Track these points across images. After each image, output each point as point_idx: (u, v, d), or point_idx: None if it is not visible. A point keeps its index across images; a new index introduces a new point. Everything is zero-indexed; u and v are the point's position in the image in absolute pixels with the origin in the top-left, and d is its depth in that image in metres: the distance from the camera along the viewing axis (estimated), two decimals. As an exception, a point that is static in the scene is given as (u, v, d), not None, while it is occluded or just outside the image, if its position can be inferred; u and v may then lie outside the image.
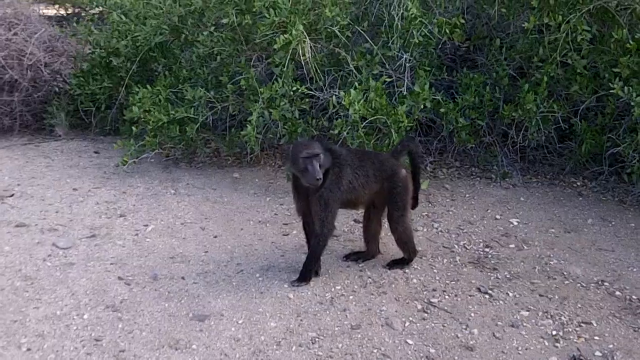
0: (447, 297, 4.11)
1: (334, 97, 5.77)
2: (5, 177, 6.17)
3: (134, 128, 6.49)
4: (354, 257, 4.64)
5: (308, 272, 4.24)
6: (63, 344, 3.53)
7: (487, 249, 4.81)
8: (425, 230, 5.16)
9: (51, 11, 13.70)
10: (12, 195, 5.69)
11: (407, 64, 5.94)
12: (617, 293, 4.19)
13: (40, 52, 7.56)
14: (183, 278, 4.30)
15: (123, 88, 7.24)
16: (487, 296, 4.11)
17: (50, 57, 7.75)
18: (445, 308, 3.97)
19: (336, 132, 5.65)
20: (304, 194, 4.22)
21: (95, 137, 7.66)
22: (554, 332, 3.72)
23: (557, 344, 3.61)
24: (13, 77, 7.34)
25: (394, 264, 4.51)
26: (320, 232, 4.17)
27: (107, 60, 7.42)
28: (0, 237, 4.83)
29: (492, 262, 4.59)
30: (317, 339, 3.62)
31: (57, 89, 7.83)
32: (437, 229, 5.18)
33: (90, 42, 7.65)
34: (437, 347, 3.58)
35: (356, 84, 5.66)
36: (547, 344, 3.62)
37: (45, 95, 7.73)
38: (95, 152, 7.10)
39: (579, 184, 6.14)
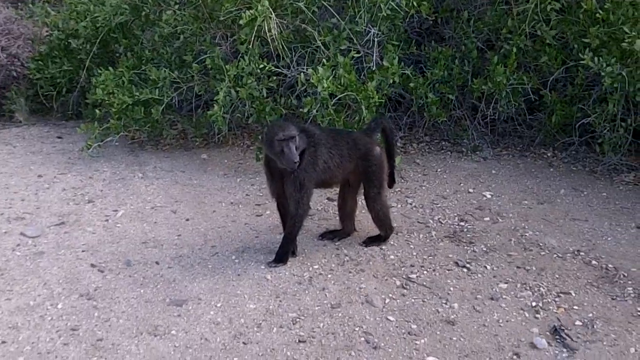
0: (425, 272, 4.10)
1: (302, 74, 5.68)
2: (-34, 167, 5.99)
3: (97, 111, 6.34)
4: (330, 235, 4.60)
5: (285, 253, 4.20)
6: (38, 335, 3.43)
7: (462, 223, 4.82)
8: (399, 206, 5.14)
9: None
10: (-26, 185, 5.53)
11: (375, 39, 5.87)
12: (594, 262, 4.23)
13: (-5, 35, 7.32)
14: (157, 263, 4.22)
15: (84, 71, 7.04)
16: (465, 270, 4.12)
17: (7, 40, 7.51)
18: (424, 283, 3.96)
19: (305, 110, 5.57)
20: (278, 175, 4.16)
21: (57, 122, 7.46)
22: (534, 304, 3.74)
23: (538, 315, 3.63)
24: (-32, 62, 7.11)
25: (371, 241, 4.49)
26: (295, 213, 4.12)
27: (66, 43, 7.20)
28: (-36, 228, 4.69)
29: (468, 235, 4.60)
30: (297, 320, 3.59)
31: (15, 74, 7.59)
32: (411, 204, 5.17)
33: (48, 24, 7.41)
34: (419, 322, 3.57)
35: (324, 60, 5.58)
36: (527, 315, 3.64)
37: (3, 80, 7.50)
38: (59, 137, 6.91)
39: (549, 155, 6.18)
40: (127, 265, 4.17)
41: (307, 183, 4.11)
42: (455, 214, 4.97)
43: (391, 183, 4.62)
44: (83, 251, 4.37)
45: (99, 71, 6.32)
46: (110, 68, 6.32)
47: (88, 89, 6.75)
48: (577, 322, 3.57)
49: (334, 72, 5.50)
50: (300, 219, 4.15)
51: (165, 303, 3.74)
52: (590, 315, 3.65)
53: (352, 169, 4.34)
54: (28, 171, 5.85)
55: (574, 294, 3.85)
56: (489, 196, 5.30)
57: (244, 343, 3.39)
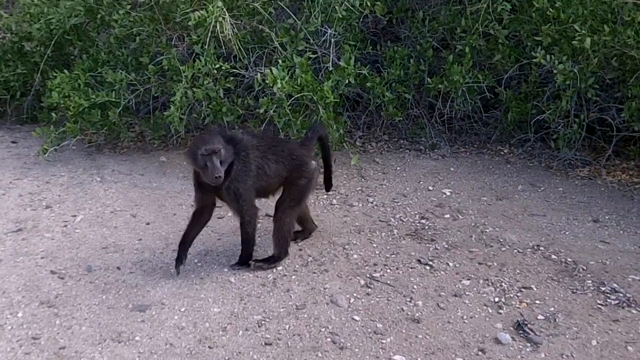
0: (388, 270, 4.15)
1: (259, 75, 5.67)
2: None
3: (53, 114, 6.24)
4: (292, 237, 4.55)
5: (247, 256, 4.18)
6: (-2, 345, 3.38)
7: (423, 221, 4.88)
8: (360, 205, 5.18)
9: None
10: None
11: (331, 39, 5.91)
12: (553, 257, 4.33)
13: (-55, 38, 7.12)
14: (119, 268, 4.18)
15: (38, 74, 6.91)
16: (427, 267, 4.18)
17: (-43, 43, 7.31)
18: (388, 282, 4.01)
19: (262, 110, 5.57)
20: (208, 186, 4.01)
21: (11, 126, 7.29)
22: (497, 299, 3.82)
23: (501, 311, 3.71)
24: None
25: (262, 262, 4.20)
26: (242, 221, 4.10)
27: (20, 46, 7.05)
28: None
29: (430, 233, 4.66)
30: (263, 322, 3.60)
31: (-34, 78, 7.40)
32: (372, 203, 5.22)
33: (0, 27, 7.24)
34: (384, 321, 3.61)
35: (280, 61, 5.58)
36: (490, 311, 3.71)
37: (-47, 84, 7.30)
38: (13, 142, 6.76)
39: (506, 151, 6.29)
40: (87, 271, 4.13)
41: (244, 191, 4.02)
42: (416, 212, 5.03)
43: (328, 187, 4.64)
44: (42, 258, 4.30)
45: (54, 74, 6.21)
46: (65, 71, 6.21)
47: (43, 93, 6.63)
48: (540, 317, 3.66)
49: (290, 72, 5.51)
50: (250, 224, 4.11)
51: (128, 309, 3.72)
52: (552, 309, 3.74)
53: (285, 178, 4.23)
54: (-18, 177, 5.74)
55: (535, 289, 3.94)
56: (448, 193, 5.38)
57: (209, 347, 3.38)
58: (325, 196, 5.30)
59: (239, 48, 5.83)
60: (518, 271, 4.14)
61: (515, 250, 4.42)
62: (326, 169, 4.54)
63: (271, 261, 4.19)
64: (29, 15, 6.88)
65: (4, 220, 4.87)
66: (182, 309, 3.71)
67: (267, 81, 5.38)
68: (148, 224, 4.86)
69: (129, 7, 6.16)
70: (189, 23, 5.48)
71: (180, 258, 4.08)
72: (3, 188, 5.49)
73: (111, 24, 6.34)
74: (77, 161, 6.16)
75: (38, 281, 4.01)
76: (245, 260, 4.17)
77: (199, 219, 4.20)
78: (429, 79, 6.14)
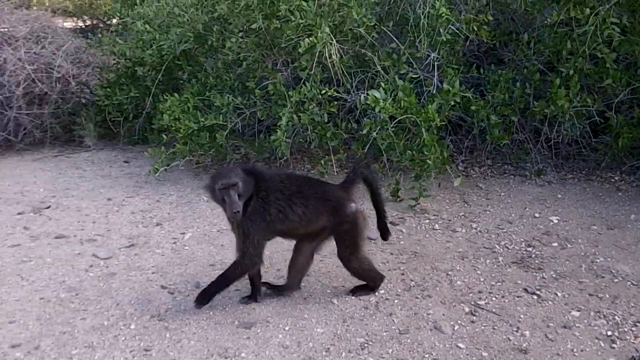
0: (494, 299, 4.06)
1: (361, 95, 5.73)
2: (40, 189, 6.22)
3: (164, 136, 6.51)
4: (267, 287, 4.20)
5: (211, 293, 3.89)
6: (113, 354, 3.52)
7: (529, 249, 4.76)
8: (464, 231, 5.11)
9: (69, 23, 13.79)
10: (48, 207, 5.73)
11: (435, 63, 5.90)
12: (670, 290, 4.12)
13: (67, 64, 7.61)
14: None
15: (150, 97, 7.25)
16: (535, 297, 4.06)
17: (77, 69, 7.81)
18: (494, 310, 3.92)
19: (364, 131, 5.61)
20: None
21: (124, 147, 7.69)
22: (609, 333, 3.65)
23: (614, 345, 3.54)
24: (43, 90, 7.40)
25: (358, 289, 4.13)
26: (240, 261, 3.82)
27: (133, 70, 7.44)
28: (41, 249, 4.86)
29: (537, 261, 4.54)
30: (366, 345, 3.59)
31: (84, 101, 7.89)
32: (475, 229, 5.13)
33: (115, 52, 7.66)
34: (490, 350, 3.52)
35: (382, 84, 5.60)
36: (603, 345, 3.55)
37: (73, 107, 7.80)
38: (125, 162, 7.12)
39: (617, 178, 6.06)
40: (196, 287, 4.24)
41: (253, 233, 3.75)
42: (522, 239, 4.92)
43: (384, 235, 4.20)
44: (153, 273, 4.47)
45: (165, 98, 6.50)
46: (175, 95, 6.48)
47: (154, 115, 6.94)
48: (656, 353, 3.49)
49: (392, 94, 5.51)
50: (243, 269, 3.84)
51: (234, 325, 3.80)
52: (668, 344, 3.55)
53: (323, 224, 3.92)
54: (98, 194, 6.04)
55: (651, 324, 3.75)
56: (555, 221, 5.23)
57: (313, 367, 3.41)
58: (427, 220, 5.27)
59: (343, 72, 5.91)
60: (632, 304, 3.95)
61: (629, 283, 4.22)
62: (378, 215, 4.16)
63: (368, 289, 4.12)
64: (142, 41, 7.25)
65: (118, 236, 5.11)
66: (286, 328, 3.76)
67: (369, 102, 5.39)
68: (252, 244, 4.96)
69: (240, 34, 6.38)
70: (299, 50, 5.59)
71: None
72: (117, 205, 5.77)
73: (219, 50, 6.57)
74: (186, 181, 6.40)
75: (149, 295, 4.17)
76: (204, 297, 3.88)
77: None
78: (534, 103, 6.00)
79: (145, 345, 3.61)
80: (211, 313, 3.93)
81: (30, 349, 3.57)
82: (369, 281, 4.11)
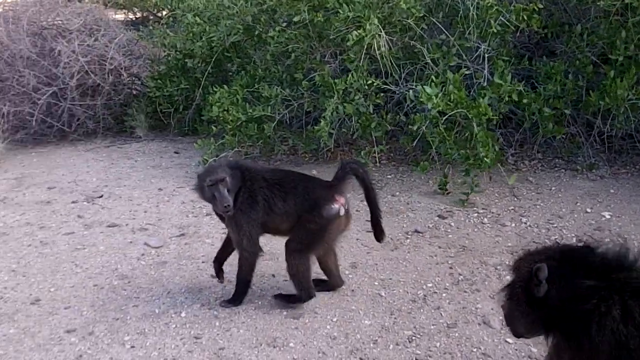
0: (543, 293, 4.01)
1: (410, 91, 5.69)
2: (93, 179, 6.38)
3: (213, 127, 6.60)
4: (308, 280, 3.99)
5: (239, 295, 3.96)
6: (164, 341, 3.60)
7: (580, 244, 4.66)
8: (513, 225, 5.05)
9: (120, 16, 14.04)
10: (101, 196, 5.87)
11: (485, 55, 5.82)
12: None
13: (120, 56, 7.75)
14: (273, 275, 4.34)
15: (199, 89, 7.34)
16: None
17: (129, 61, 7.95)
18: (543, 305, 3.87)
19: (415, 127, 5.57)
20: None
21: (174, 138, 7.82)
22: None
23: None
24: (95, 82, 7.56)
25: (281, 297, 3.98)
26: (240, 256, 3.89)
27: (183, 63, 7.55)
28: (94, 237, 4.99)
29: (588, 257, 4.46)
30: (413, 338, 3.59)
31: (135, 92, 8.05)
32: (525, 223, 5.07)
33: (166, 45, 7.78)
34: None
35: (433, 77, 5.54)
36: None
37: (125, 98, 7.96)
38: (176, 152, 7.24)
39: (673, 174, 5.91)
40: (244, 277, 4.30)
41: (246, 224, 3.79)
42: (573, 235, 4.84)
43: (377, 236, 4.00)
44: (203, 262, 4.54)
45: (214, 89, 6.58)
46: (224, 86, 6.55)
47: (203, 107, 7.02)
48: None
49: (443, 88, 5.47)
50: (246, 262, 3.88)
51: (283, 315, 3.84)
52: None
53: (297, 219, 3.82)
54: (149, 184, 6.16)
55: None
56: (608, 216, 5.12)
57: (360, 359, 3.42)
58: (476, 214, 5.23)
59: (391, 64, 5.89)
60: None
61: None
62: (372, 214, 3.92)
63: (292, 300, 3.91)
64: (192, 34, 7.34)
65: (168, 225, 5.20)
66: (334, 319, 3.78)
67: (420, 98, 5.35)
68: (301, 234, 5.00)
69: (284, 24, 6.41)
70: (348, 43, 5.59)
71: (217, 274, 4.15)
72: (167, 195, 5.87)
73: (267, 41, 6.62)
74: (234, 172, 6.46)
75: (199, 284, 4.25)
76: (236, 298, 3.96)
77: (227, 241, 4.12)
78: (587, 95, 5.87)
79: (196, 333, 3.68)
80: (260, 303, 3.98)
81: (84, 334, 3.68)
82: (299, 287, 3.85)
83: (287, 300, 3.92)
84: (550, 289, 2.21)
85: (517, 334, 2.50)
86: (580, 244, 2.42)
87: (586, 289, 2.13)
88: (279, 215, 3.81)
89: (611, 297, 2.11)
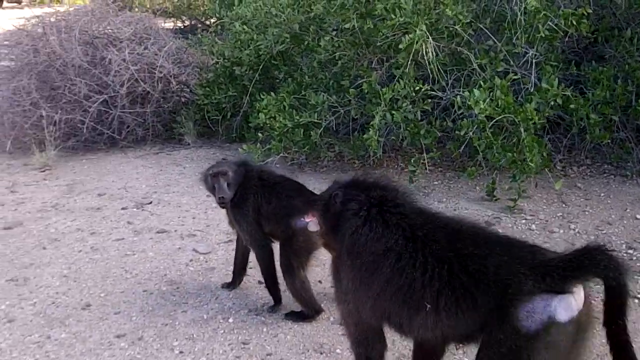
0: (592, 302, 3.94)
1: (458, 97, 5.67)
2: (143, 185, 6.52)
3: (259, 134, 6.68)
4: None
5: (274, 296, 4.08)
6: (212, 347, 3.66)
7: (630, 251, 4.60)
8: (561, 231, 4.99)
9: (169, 24, 14.29)
10: (150, 203, 6.00)
11: (532, 60, 5.77)
12: None
13: (169, 64, 7.90)
14: (320, 282, 4.37)
15: (247, 96, 7.44)
16: (636, 301, 3.93)
17: (178, 69, 8.09)
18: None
19: (462, 133, 5.55)
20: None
21: (221, 145, 7.93)
22: None
23: None
24: (145, 90, 7.71)
25: (291, 315, 3.98)
26: (255, 253, 4.05)
27: (231, 70, 7.66)
28: (144, 243, 5.10)
29: (638, 264, 4.38)
30: (458, 347, 3.57)
31: (184, 99, 8.19)
32: (574, 230, 5.01)
33: (214, 53, 7.91)
34: (588, 354, 3.44)
35: (481, 82, 5.52)
36: None
37: (173, 105, 8.11)
38: (223, 159, 7.32)
39: None
40: (292, 283, 4.35)
41: (243, 220, 3.93)
42: (623, 242, 4.76)
43: None
44: (250, 268, 4.57)
45: (261, 97, 6.66)
46: (272, 93, 6.63)
47: (250, 113, 7.12)
48: None
49: (490, 94, 5.43)
50: (262, 258, 4.02)
51: (329, 321, 3.87)
52: None
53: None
54: (197, 191, 6.24)
55: None
56: (659, 223, 5.03)
57: (407, 365, 3.44)
58: (524, 220, 5.18)
59: (438, 70, 5.88)
60: None
61: None
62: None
63: (301, 317, 3.93)
64: (240, 42, 7.45)
65: (217, 232, 5.29)
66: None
67: (468, 102, 5.33)
68: (346, 241, 5.01)
69: (334, 33, 6.46)
70: (400, 46, 5.60)
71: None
72: (215, 201, 5.95)
73: (315, 49, 6.67)
74: (281, 178, 6.53)
75: (247, 290, 4.31)
76: (273, 297, 4.07)
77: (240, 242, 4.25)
78: (637, 101, 5.77)
79: (243, 338, 3.73)
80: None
81: (134, 339, 3.77)
82: (303, 304, 3.91)
83: (297, 318, 3.93)
84: (339, 206, 2.79)
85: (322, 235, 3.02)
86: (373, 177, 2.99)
87: (355, 201, 2.74)
88: (266, 218, 3.92)
89: (370, 207, 2.69)
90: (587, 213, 5.32)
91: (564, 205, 5.47)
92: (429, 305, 2.34)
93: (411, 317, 2.46)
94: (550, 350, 2.21)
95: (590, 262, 2.24)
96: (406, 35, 5.55)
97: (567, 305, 2.20)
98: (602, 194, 5.67)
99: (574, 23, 5.61)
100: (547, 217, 5.25)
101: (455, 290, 2.32)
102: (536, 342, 2.17)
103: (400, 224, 2.59)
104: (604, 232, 4.94)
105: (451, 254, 2.38)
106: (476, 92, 5.33)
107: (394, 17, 5.63)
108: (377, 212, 2.67)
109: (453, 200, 5.75)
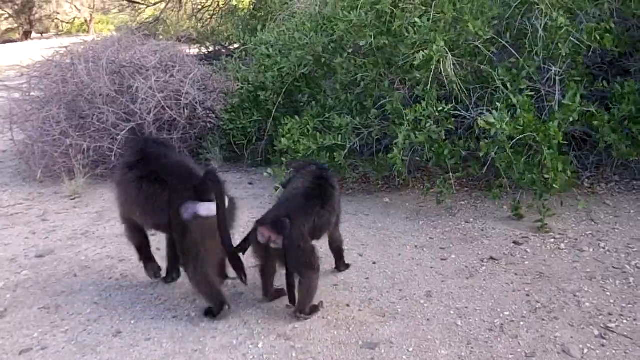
0: (625, 321, 3.91)
1: (479, 119, 5.64)
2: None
3: (283, 159, 6.72)
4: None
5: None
6: (240, 372, 3.68)
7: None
8: (591, 250, 4.94)
9: (194, 50, 14.47)
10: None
11: (556, 77, 5.74)
12: None
13: (194, 91, 7.99)
14: (348, 305, 4.36)
15: (271, 120, 7.50)
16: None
17: (204, 95, 8.18)
18: (625, 334, 3.77)
19: (482, 154, 5.53)
20: None
21: (248, 169, 7.99)
22: None
23: None
24: (172, 117, 7.80)
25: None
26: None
27: (255, 95, 7.73)
28: (173, 270, 5.13)
29: (671, 282, 4.34)
30: (491, 367, 3.56)
31: (210, 125, 8.26)
32: (604, 248, 4.95)
33: (239, 78, 8.00)
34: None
35: (498, 104, 5.48)
36: None
37: (200, 131, 8.18)
38: (250, 184, 7.39)
39: None
40: (320, 308, 4.36)
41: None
42: (655, 259, 4.71)
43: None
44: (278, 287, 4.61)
45: (285, 121, 6.71)
46: (295, 117, 6.68)
47: (275, 137, 7.17)
48: None
49: (510, 112, 5.41)
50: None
51: (358, 346, 3.86)
52: None
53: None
54: (225, 215, 6.30)
55: None
56: (690, 239, 4.96)
57: (438, 389, 3.42)
58: (552, 239, 5.14)
59: (460, 88, 5.88)
60: None
61: None
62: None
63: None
64: (264, 66, 7.53)
65: (244, 256, 5.29)
66: (410, 349, 3.78)
67: (491, 121, 5.30)
68: (374, 263, 5.02)
69: (350, 50, 6.50)
70: (414, 62, 5.62)
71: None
72: (242, 227, 5.98)
73: (336, 70, 6.71)
74: (306, 201, 6.55)
75: (275, 314, 4.31)
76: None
77: None
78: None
79: (273, 363, 3.75)
80: (335, 333, 4.02)
81: (166, 365, 3.80)
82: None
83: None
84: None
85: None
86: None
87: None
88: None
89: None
90: (616, 230, 5.26)
91: (593, 223, 5.42)
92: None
93: (141, 215, 4.15)
94: (197, 230, 3.90)
95: (212, 184, 3.84)
96: (420, 52, 5.55)
97: (205, 208, 3.87)
98: (632, 211, 5.61)
99: (597, 37, 5.58)
100: (576, 236, 5.20)
101: (156, 200, 3.94)
102: (190, 225, 3.88)
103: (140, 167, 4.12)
104: (635, 249, 4.88)
105: (157, 182, 3.95)
106: (495, 113, 5.30)
107: (410, 34, 5.65)
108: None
109: (480, 220, 5.73)
